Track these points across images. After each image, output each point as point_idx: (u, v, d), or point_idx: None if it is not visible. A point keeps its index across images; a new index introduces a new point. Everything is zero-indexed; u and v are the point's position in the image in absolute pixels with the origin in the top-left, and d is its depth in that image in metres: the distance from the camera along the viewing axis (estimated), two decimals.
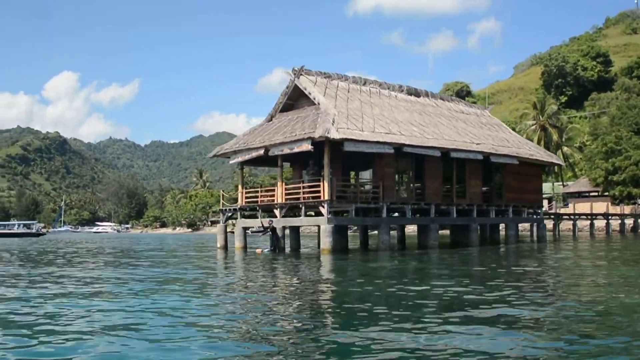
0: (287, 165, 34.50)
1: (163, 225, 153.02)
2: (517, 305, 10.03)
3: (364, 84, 32.11)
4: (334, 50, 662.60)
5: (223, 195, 33.01)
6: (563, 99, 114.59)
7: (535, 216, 39.12)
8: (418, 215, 30.97)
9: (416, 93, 34.91)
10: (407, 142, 27.58)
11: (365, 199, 28.04)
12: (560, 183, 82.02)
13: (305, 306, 10.22)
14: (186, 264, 21.83)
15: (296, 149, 25.85)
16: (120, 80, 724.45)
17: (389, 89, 33.29)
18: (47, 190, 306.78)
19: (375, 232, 33.81)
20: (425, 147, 28.43)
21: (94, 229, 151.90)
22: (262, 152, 27.53)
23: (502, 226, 38.61)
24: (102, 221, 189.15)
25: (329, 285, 14.45)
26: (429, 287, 12.94)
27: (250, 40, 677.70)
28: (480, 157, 31.42)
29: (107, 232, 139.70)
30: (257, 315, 9.17)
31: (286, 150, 26.45)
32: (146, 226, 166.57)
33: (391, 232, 32.74)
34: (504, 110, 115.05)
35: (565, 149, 79.49)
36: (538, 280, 14.91)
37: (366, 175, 31.62)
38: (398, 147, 27.24)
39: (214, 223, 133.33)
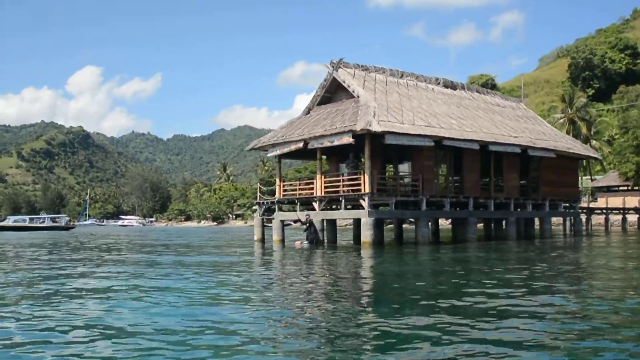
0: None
1: (187, 218, 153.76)
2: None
3: (401, 76, 31.99)
4: (355, 43, 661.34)
5: (260, 188, 32.98)
6: (590, 91, 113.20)
7: (571, 210, 38.78)
8: (455, 208, 30.83)
9: (452, 86, 34.73)
10: (446, 135, 27.44)
11: (404, 192, 27.97)
12: (589, 177, 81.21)
13: (381, 299, 10.18)
14: (230, 257, 21.91)
15: (337, 142, 25.81)
16: (143, 75, 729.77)
17: (425, 81, 33.14)
18: (71, 184, 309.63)
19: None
20: (464, 140, 28.27)
21: (120, 223, 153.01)
22: (301, 145, 27.52)
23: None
24: (126, 215, 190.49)
25: (396, 277, 14.41)
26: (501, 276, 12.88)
27: (271, 34, 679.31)
28: (518, 150, 31.22)
29: (132, 225, 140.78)
30: (325, 306, 9.16)
31: (326, 143, 26.42)
32: (170, 219, 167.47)
33: None
34: (529, 104, 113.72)
35: (593, 142, 78.65)
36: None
37: (404, 168, 31.50)
38: (438, 140, 27.12)
39: (238, 216, 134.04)
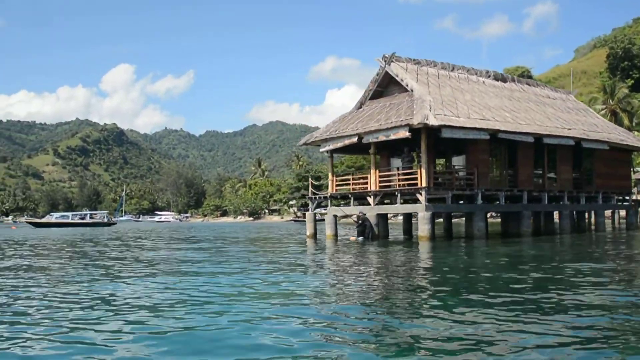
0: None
1: (224, 214, 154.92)
2: None
3: (452, 69, 31.76)
4: (385, 37, 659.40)
5: (312, 183, 33.02)
6: (629, 82, 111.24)
7: (624, 202, 38.23)
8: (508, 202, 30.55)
9: (503, 78, 34.39)
10: (502, 128, 27.15)
11: (459, 185, 27.82)
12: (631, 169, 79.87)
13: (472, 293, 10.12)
14: (287, 252, 21.97)
15: (392, 136, 25.73)
16: (176, 72, 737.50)
17: (476, 74, 32.87)
18: (106, 181, 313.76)
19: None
20: (519, 133, 27.98)
21: (156, 218, 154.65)
22: (355, 139, 27.46)
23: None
24: (161, 211, 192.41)
25: (467, 270, 14.33)
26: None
27: (302, 29, 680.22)
28: (571, 142, 30.82)
29: (169, 221, 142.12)
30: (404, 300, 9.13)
31: (381, 138, 26.34)
32: (205, 215, 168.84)
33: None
34: None
35: (636, 133, 77.29)
36: None
37: (457, 161, 31.28)
38: (493, 133, 26.88)
39: (274, 212, 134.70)
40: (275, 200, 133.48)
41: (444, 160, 33.79)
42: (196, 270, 14.52)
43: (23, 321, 7.70)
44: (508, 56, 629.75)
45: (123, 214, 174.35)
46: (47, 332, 6.84)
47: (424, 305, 8.66)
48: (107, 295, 9.95)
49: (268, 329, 6.90)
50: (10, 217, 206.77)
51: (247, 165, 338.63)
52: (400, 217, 42.00)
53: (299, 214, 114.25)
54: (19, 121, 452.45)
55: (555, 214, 35.22)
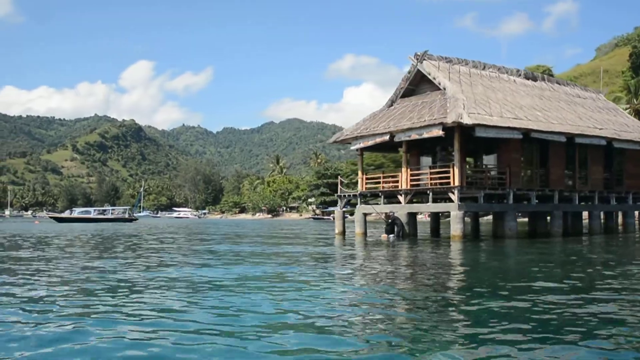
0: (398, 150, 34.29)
1: (242, 211, 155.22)
2: None
3: (483, 68, 31.63)
4: (404, 35, 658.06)
5: (341, 181, 33.00)
6: None
7: None
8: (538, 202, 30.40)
9: (533, 77, 34.21)
10: (534, 128, 27.02)
11: (491, 185, 27.71)
12: None
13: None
14: (320, 249, 21.98)
15: (425, 135, 25.68)
16: (194, 68, 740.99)
17: (507, 73, 32.70)
18: (124, 177, 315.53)
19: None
20: (551, 133, 27.81)
21: (175, 215, 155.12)
22: (387, 137, 27.44)
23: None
24: (178, 207, 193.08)
25: (505, 270, 14.27)
26: None
27: (320, 26, 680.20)
28: (603, 142, 30.58)
29: (188, 217, 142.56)
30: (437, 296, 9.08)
31: (414, 136, 26.29)
32: (223, 212, 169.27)
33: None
34: None
35: None
36: None
37: (487, 160, 31.15)
38: (525, 133, 26.72)
39: (292, 209, 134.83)
40: (293, 198, 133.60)
41: (473, 159, 33.65)
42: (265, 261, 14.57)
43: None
44: (528, 55, 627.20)
45: (141, 209, 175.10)
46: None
47: (472, 306, 8.61)
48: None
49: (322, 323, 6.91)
50: (29, 212, 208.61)
51: (263, 163, 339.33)
52: (418, 216, 41.91)
53: (317, 211, 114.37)
54: (38, 117, 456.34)
55: (584, 214, 34.93)
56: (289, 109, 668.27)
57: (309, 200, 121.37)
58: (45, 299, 9.12)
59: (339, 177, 33.80)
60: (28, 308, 8.21)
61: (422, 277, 12.45)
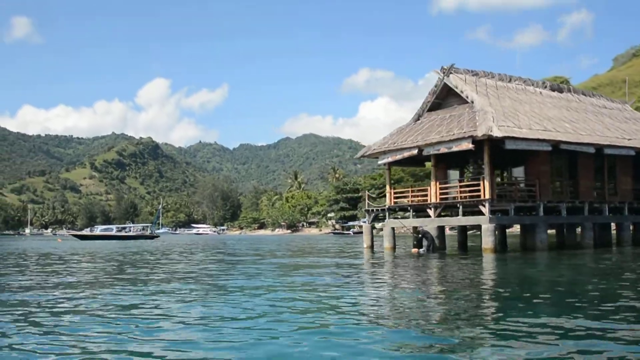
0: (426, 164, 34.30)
1: (261, 226, 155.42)
2: None
3: (509, 80, 31.60)
4: (418, 48, 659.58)
5: (369, 195, 33.01)
6: None
7: None
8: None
9: (559, 89, 34.13)
10: (563, 139, 26.95)
11: (521, 197, 27.61)
12: None
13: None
14: (351, 261, 21.98)
15: (455, 148, 25.64)
16: (210, 85, 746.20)
17: (533, 85, 32.67)
18: (142, 194, 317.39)
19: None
20: (580, 144, 27.71)
21: (194, 231, 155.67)
22: (415, 152, 27.46)
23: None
24: (196, 223, 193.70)
25: (544, 282, 14.18)
26: None
27: (335, 40, 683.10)
28: (632, 152, 30.42)
29: (207, 233, 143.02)
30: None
31: (443, 150, 26.28)
32: (241, 228, 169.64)
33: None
34: None
35: None
36: None
37: (516, 173, 31.05)
38: (555, 145, 26.65)
39: (311, 224, 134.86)
40: (313, 213, 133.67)
41: (500, 171, 33.54)
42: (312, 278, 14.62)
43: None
44: (543, 66, 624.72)
45: (160, 226, 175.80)
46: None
47: (516, 321, 8.57)
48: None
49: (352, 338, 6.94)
50: (49, 230, 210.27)
51: (280, 178, 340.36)
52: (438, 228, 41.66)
53: (337, 226, 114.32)
54: (56, 135, 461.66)
55: (612, 225, 34.65)
56: (305, 125, 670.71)
57: (329, 215, 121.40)
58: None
59: (366, 191, 33.75)
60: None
61: (468, 291, 12.39)
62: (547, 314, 8.69)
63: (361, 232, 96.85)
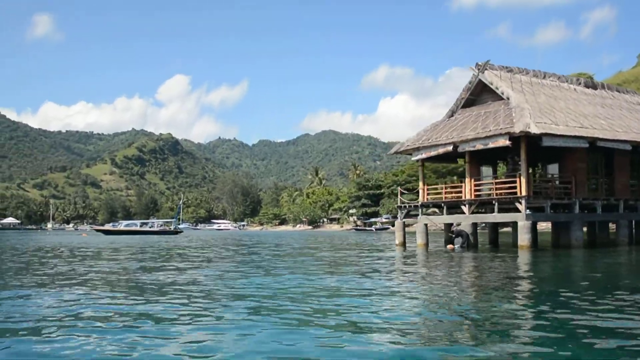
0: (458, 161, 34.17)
1: (282, 222, 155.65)
2: None
3: (544, 77, 31.43)
4: (438, 45, 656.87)
5: (401, 192, 32.94)
6: None
7: None
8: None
9: (593, 85, 33.88)
10: (600, 136, 26.75)
11: (557, 194, 27.47)
12: None
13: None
14: (384, 260, 21.97)
15: (491, 145, 25.56)
16: (230, 82, 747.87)
17: (567, 81, 32.46)
18: (162, 190, 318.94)
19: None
20: (616, 141, 27.51)
21: (215, 227, 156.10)
22: (450, 148, 27.40)
23: None
24: (217, 219, 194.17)
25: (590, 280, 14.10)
26: None
27: (354, 37, 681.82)
28: None
29: (228, 229, 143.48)
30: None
31: (479, 146, 26.18)
32: (262, 223, 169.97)
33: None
34: None
35: None
36: None
37: (551, 169, 30.89)
38: (591, 142, 26.46)
39: (333, 220, 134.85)
40: (334, 209, 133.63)
41: (533, 168, 33.37)
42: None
43: None
44: (565, 63, 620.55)
45: (180, 222, 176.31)
46: None
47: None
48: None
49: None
50: (71, 225, 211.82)
51: (299, 174, 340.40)
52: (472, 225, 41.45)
53: (359, 222, 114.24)
54: (77, 131, 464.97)
55: None
56: (324, 121, 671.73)
57: (350, 211, 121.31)
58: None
59: (399, 188, 33.68)
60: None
61: (516, 288, 12.38)
62: (599, 312, 8.65)
63: (384, 229, 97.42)
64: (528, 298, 10.64)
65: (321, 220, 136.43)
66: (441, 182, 57.65)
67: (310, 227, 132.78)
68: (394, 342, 6.62)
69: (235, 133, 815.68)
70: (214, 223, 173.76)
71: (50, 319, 8.30)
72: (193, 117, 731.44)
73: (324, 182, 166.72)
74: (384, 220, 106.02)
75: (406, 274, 15.80)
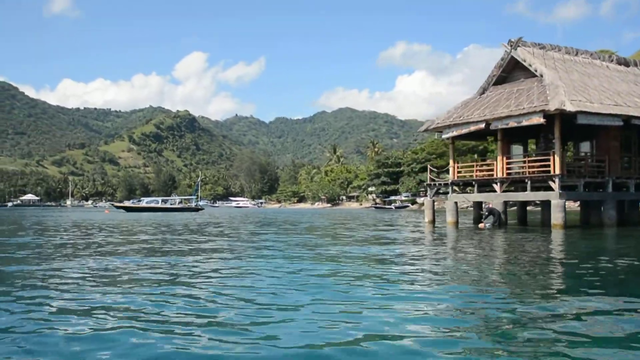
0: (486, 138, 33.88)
1: (300, 200, 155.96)
2: None
3: (576, 54, 31.00)
4: (455, 22, 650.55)
5: (431, 169, 32.81)
6: None
7: None
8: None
9: (625, 63, 33.34)
10: (635, 114, 26.41)
11: (590, 172, 27.24)
12: None
13: None
14: (417, 237, 21.94)
15: (525, 122, 25.31)
16: (247, 59, 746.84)
17: (599, 58, 32.04)
18: (179, 167, 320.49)
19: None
20: None
21: (233, 204, 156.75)
22: (482, 125, 27.18)
23: None
24: (234, 196, 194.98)
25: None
26: None
27: (371, 13, 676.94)
28: None
29: (247, 206, 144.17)
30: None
31: (512, 124, 25.94)
32: (279, 201, 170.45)
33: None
34: None
35: None
36: None
37: (583, 147, 30.63)
38: (626, 120, 26.14)
39: (351, 198, 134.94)
40: (353, 187, 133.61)
41: (564, 146, 33.09)
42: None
43: None
44: (585, 40, 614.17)
45: (199, 199, 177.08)
46: None
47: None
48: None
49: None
50: (89, 202, 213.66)
51: (315, 152, 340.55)
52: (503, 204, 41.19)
53: (378, 200, 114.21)
54: (95, 109, 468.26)
55: None
56: (341, 98, 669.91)
57: (369, 189, 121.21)
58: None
59: (428, 165, 33.51)
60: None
61: (568, 268, 12.31)
62: None
63: (404, 207, 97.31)
64: (588, 276, 10.55)
65: (340, 198, 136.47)
66: (461, 160, 57.28)
67: (329, 204, 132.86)
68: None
69: (252, 110, 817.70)
70: (232, 200, 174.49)
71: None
72: (210, 94, 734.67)
73: (342, 159, 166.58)
74: (404, 198, 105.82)
75: (454, 253, 15.75)
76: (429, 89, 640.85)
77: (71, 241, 19.96)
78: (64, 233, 25.42)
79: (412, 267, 11.64)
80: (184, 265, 12.00)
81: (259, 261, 12.86)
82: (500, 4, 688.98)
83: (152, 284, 9.32)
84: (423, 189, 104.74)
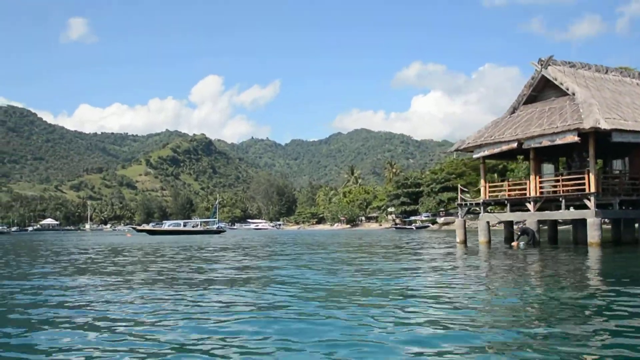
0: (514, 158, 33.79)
1: (319, 221, 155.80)
2: None
3: (606, 72, 30.96)
4: (470, 41, 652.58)
5: (461, 189, 32.72)
6: None
7: None
8: None
9: None
10: None
11: (625, 190, 27.08)
12: None
13: None
14: (451, 259, 21.85)
15: (558, 141, 25.24)
16: (262, 82, 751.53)
17: (629, 76, 31.97)
18: (196, 190, 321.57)
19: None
20: None
21: (252, 226, 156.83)
22: (515, 145, 27.14)
23: None
24: (252, 219, 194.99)
25: None
26: None
27: (385, 33, 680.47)
28: None
29: (266, 228, 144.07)
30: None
31: (545, 143, 25.89)
32: (298, 223, 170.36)
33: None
34: None
35: None
36: None
37: (616, 165, 30.48)
38: None
39: (370, 219, 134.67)
40: (372, 208, 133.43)
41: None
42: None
43: None
44: (600, 56, 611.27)
45: (217, 222, 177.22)
46: None
47: None
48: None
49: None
50: (108, 226, 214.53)
51: (332, 174, 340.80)
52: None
53: (398, 220, 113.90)
54: (112, 133, 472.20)
55: None
56: (356, 120, 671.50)
57: (389, 209, 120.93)
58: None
59: (458, 186, 33.38)
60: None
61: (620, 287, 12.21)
62: None
63: (424, 227, 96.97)
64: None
65: (359, 219, 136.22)
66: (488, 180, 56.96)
67: (348, 225, 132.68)
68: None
69: (268, 133, 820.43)
70: (251, 222, 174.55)
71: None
72: (226, 118, 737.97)
73: (359, 180, 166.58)
74: (424, 218, 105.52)
75: (490, 276, 15.67)
76: (444, 109, 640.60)
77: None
78: (114, 259, 25.42)
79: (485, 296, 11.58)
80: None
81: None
82: (514, 22, 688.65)
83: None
84: (443, 209, 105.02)
